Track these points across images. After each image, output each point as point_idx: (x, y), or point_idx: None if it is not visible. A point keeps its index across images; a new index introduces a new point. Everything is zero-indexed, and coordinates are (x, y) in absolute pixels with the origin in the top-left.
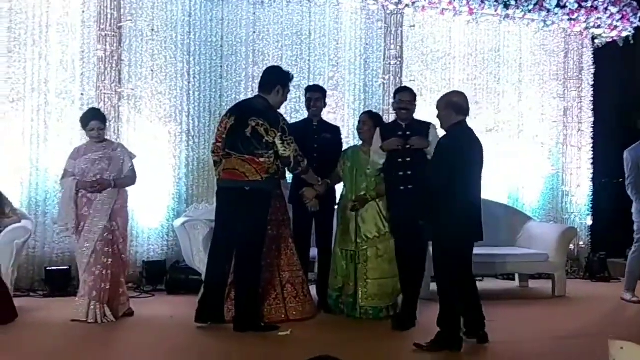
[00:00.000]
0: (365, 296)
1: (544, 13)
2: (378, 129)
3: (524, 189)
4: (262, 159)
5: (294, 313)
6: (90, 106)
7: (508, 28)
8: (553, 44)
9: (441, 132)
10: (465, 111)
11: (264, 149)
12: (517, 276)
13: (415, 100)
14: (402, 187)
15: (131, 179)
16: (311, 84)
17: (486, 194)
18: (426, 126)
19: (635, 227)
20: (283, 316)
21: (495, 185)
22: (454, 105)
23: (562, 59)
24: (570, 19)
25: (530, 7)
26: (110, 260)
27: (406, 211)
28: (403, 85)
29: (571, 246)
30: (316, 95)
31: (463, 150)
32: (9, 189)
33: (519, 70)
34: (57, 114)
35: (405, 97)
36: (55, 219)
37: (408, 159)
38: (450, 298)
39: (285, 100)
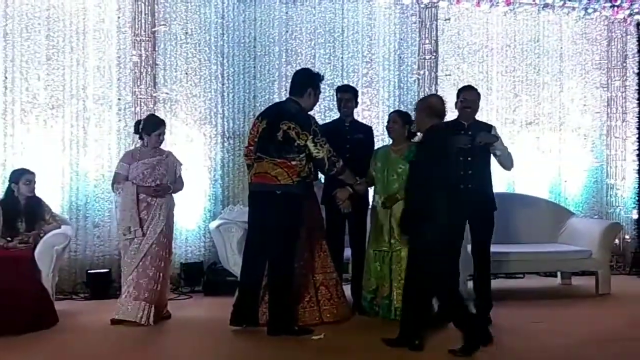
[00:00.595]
0: (401, 297)
1: (585, 0)
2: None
3: (566, 183)
4: (294, 162)
5: (328, 316)
6: (128, 111)
7: (547, 17)
8: (595, 32)
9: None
10: (442, 114)
11: (296, 152)
12: (559, 274)
13: (479, 99)
14: (462, 186)
15: (182, 184)
16: (344, 82)
17: (527, 189)
18: (488, 128)
19: None
20: (317, 319)
21: (537, 179)
22: (432, 108)
23: (604, 47)
24: (612, 6)
25: None
26: (163, 263)
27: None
28: (438, 79)
29: (616, 241)
30: (347, 96)
31: (439, 163)
32: (51, 194)
33: (559, 60)
34: (95, 120)
35: (470, 96)
36: (96, 222)
37: (469, 158)
38: (453, 299)
39: (317, 101)
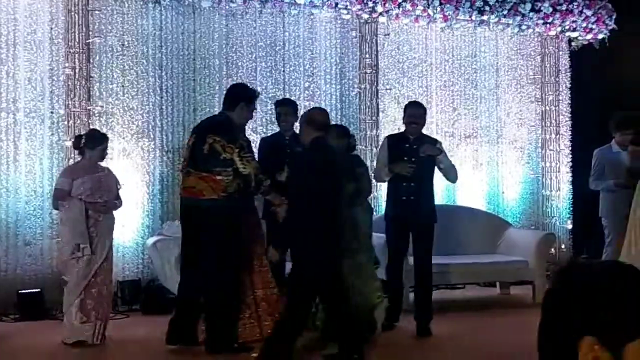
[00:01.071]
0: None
1: (518, 17)
2: (386, 140)
3: (504, 194)
4: (219, 177)
5: (270, 331)
6: (61, 124)
7: (484, 33)
8: (529, 48)
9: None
10: (324, 127)
11: (222, 166)
12: (497, 284)
13: (425, 114)
14: (404, 197)
15: (121, 201)
16: (286, 96)
17: (466, 201)
18: (433, 142)
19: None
20: (258, 335)
21: (475, 191)
22: (313, 122)
23: (538, 62)
24: (545, 23)
25: (505, 12)
26: (109, 279)
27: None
28: (379, 93)
29: (552, 250)
30: (285, 110)
31: (319, 177)
32: None
33: (496, 75)
34: (27, 134)
35: (416, 112)
36: (27, 240)
37: (408, 178)
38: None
39: (251, 117)
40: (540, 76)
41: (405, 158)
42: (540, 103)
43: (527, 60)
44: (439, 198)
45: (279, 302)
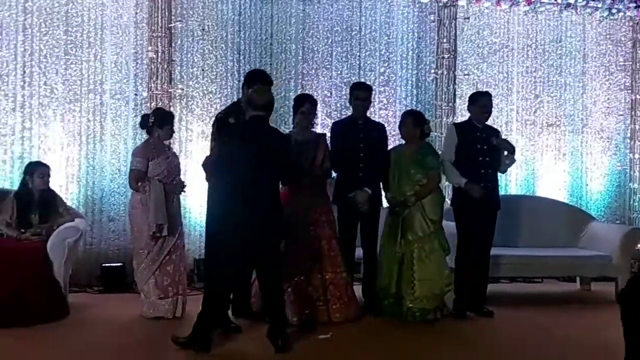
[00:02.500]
0: (413, 297)
1: (608, 0)
2: (453, 127)
3: (588, 187)
4: None
5: (337, 315)
6: (144, 106)
7: (570, 17)
8: (620, 33)
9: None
10: (258, 107)
11: None
12: (578, 279)
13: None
14: (482, 184)
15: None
16: (361, 81)
17: (547, 192)
18: (496, 132)
19: None
20: (326, 318)
21: (556, 182)
22: (249, 101)
23: (629, 48)
24: (637, 6)
25: None
26: (183, 255)
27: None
28: (457, 79)
29: (638, 246)
30: (361, 95)
31: (231, 149)
32: (67, 187)
33: (582, 61)
34: (112, 114)
35: (488, 102)
36: (111, 216)
37: (487, 158)
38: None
39: (255, 98)
40: (630, 62)
41: (479, 146)
42: (630, 91)
43: (617, 46)
44: (518, 187)
45: (348, 287)
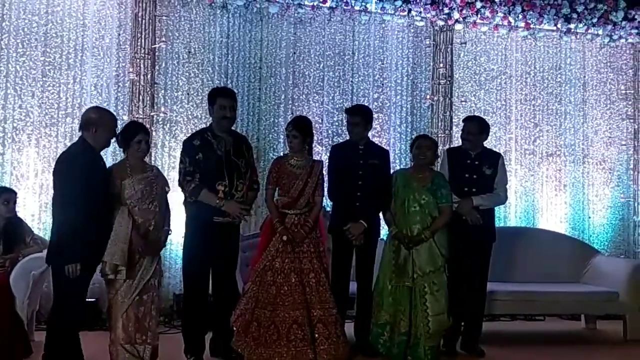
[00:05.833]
0: (428, 335)
1: (609, 27)
2: (446, 154)
3: (590, 219)
4: None
5: (325, 356)
6: None
7: (570, 44)
8: (621, 61)
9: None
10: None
11: None
12: (582, 317)
13: (483, 131)
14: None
15: (169, 212)
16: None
17: (548, 224)
18: (496, 157)
19: None
20: (312, 358)
21: (557, 214)
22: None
23: (631, 76)
24: (639, 33)
25: (594, 20)
26: (156, 295)
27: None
28: (453, 106)
29: None
30: (354, 120)
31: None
32: (40, 217)
33: (582, 89)
34: None
35: (471, 127)
36: None
37: (474, 189)
38: None
39: (221, 114)
40: (633, 91)
41: (467, 175)
42: (632, 121)
43: (618, 74)
44: (517, 219)
45: (337, 325)
